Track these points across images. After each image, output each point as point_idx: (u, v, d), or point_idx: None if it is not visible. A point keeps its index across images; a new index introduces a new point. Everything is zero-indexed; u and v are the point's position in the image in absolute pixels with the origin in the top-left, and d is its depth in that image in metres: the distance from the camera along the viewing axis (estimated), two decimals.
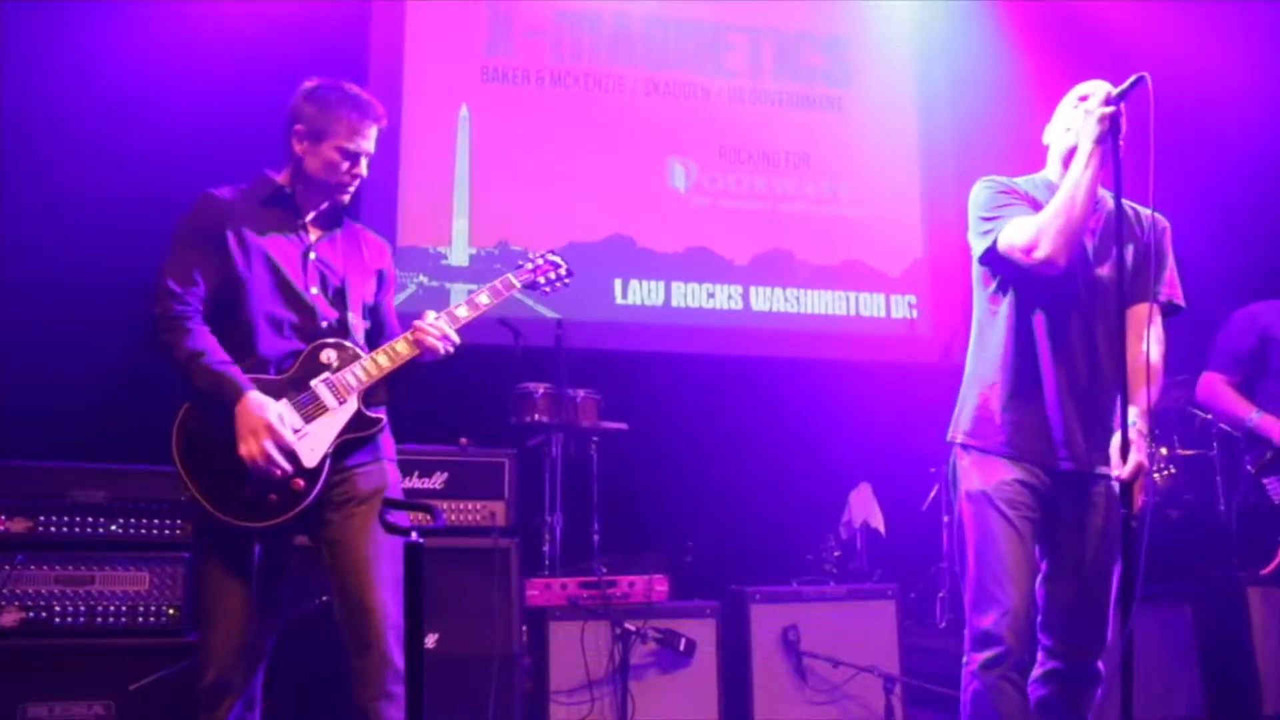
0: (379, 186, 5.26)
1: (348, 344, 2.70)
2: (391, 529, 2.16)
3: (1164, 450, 4.76)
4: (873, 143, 6.15)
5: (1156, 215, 2.80)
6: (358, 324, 2.78)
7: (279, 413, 2.54)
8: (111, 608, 3.35)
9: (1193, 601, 4.30)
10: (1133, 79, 2.55)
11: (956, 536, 2.82)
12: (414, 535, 2.09)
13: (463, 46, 5.63)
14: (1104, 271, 2.76)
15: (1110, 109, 2.59)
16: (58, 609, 3.31)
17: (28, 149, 4.55)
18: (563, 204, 5.58)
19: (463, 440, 3.96)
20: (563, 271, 3.08)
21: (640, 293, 5.65)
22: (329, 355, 2.67)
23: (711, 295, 5.75)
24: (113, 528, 3.42)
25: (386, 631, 2.53)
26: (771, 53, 6.09)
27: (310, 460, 2.58)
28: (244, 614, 2.58)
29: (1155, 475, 4.69)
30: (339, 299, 2.75)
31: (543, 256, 3.07)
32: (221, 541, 2.58)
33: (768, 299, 5.83)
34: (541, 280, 3.04)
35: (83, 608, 3.33)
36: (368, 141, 2.75)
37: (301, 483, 2.56)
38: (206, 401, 2.54)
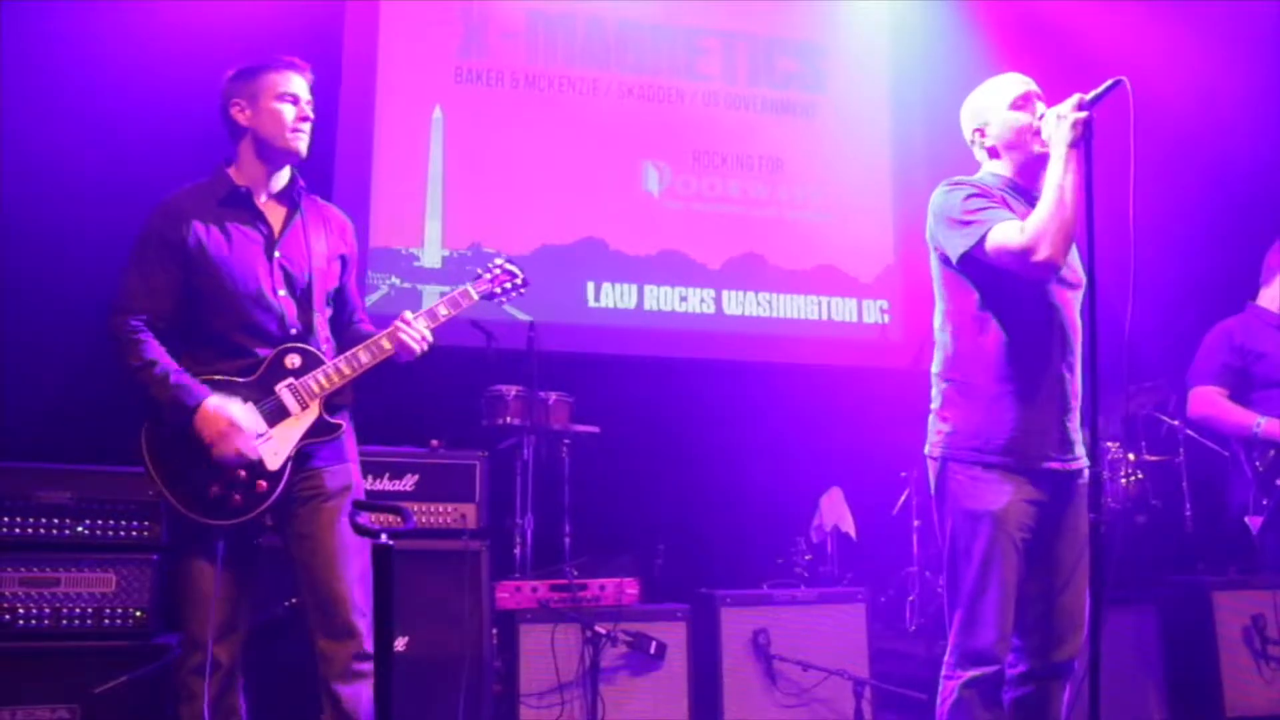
0: (352, 187, 5.25)
1: (312, 349, 2.77)
2: (361, 530, 2.15)
3: (1131, 456, 4.81)
4: (846, 148, 6.17)
5: None
6: (323, 320, 2.85)
7: (239, 411, 2.62)
8: (77, 610, 3.30)
9: (1158, 605, 4.34)
10: (1109, 83, 2.50)
11: (948, 551, 2.74)
12: (383, 537, 2.08)
13: (436, 48, 5.61)
14: (1072, 276, 2.77)
15: (1084, 114, 2.55)
16: (21, 611, 3.26)
17: None
18: (536, 206, 5.57)
19: (434, 442, 3.95)
20: (519, 280, 3.10)
21: (612, 296, 5.65)
22: (293, 360, 2.74)
23: (684, 299, 5.75)
24: (78, 529, 3.37)
25: (353, 614, 2.65)
26: (745, 57, 6.11)
27: (273, 464, 2.67)
28: (220, 602, 2.65)
29: (1122, 480, 4.74)
30: (305, 298, 2.79)
31: (500, 266, 3.09)
32: (193, 537, 2.67)
33: (740, 303, 5.84)
34: (498, 290, 3.07)
35: (47, 610, 3.28)
36: (302, 89, 2.82)
37: (264, 484, 2.65)
38: (163, 413, 2.60)
